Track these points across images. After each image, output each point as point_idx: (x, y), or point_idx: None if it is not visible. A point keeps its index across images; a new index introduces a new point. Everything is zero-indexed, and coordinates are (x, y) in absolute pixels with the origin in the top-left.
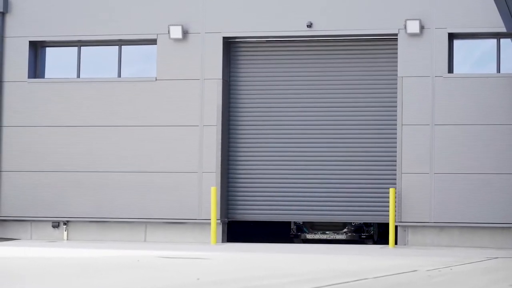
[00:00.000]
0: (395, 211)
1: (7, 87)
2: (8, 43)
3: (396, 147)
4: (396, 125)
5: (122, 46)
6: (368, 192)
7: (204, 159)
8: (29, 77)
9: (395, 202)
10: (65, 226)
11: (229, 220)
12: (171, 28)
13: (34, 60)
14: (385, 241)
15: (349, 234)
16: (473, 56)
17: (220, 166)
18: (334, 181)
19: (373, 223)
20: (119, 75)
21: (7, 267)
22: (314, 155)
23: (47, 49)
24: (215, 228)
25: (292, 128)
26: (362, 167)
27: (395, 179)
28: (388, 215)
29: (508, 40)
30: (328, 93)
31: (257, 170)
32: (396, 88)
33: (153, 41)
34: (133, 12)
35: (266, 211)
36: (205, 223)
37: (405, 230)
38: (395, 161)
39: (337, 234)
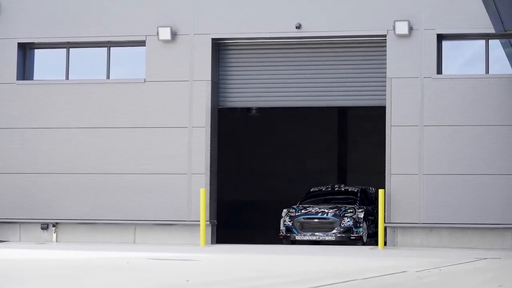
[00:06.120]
0: (384, 212)
1: None
2: None
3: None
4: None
5: (111, 48)
6: None
7: (193, 161)
8: (17, 79)
9: (384, 203)
10: (54, 228)
11: (220, 107)
12: (160, 29)
13: (23, 61)
14: (375, 242)
15: (339, 235)
16: (461, 57)
17: (209, 168)
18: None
19: (362, 223)
20: (108, 77)
21: None
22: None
23: (36, 50)
24: (204, 230)
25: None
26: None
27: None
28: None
29: (497, 41)
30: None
31: None
32: (385, 89)
33: (142, 43)
34: (122, 13)
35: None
36: (194, 224)
37: (394, 231)
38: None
39: (327, 235)
